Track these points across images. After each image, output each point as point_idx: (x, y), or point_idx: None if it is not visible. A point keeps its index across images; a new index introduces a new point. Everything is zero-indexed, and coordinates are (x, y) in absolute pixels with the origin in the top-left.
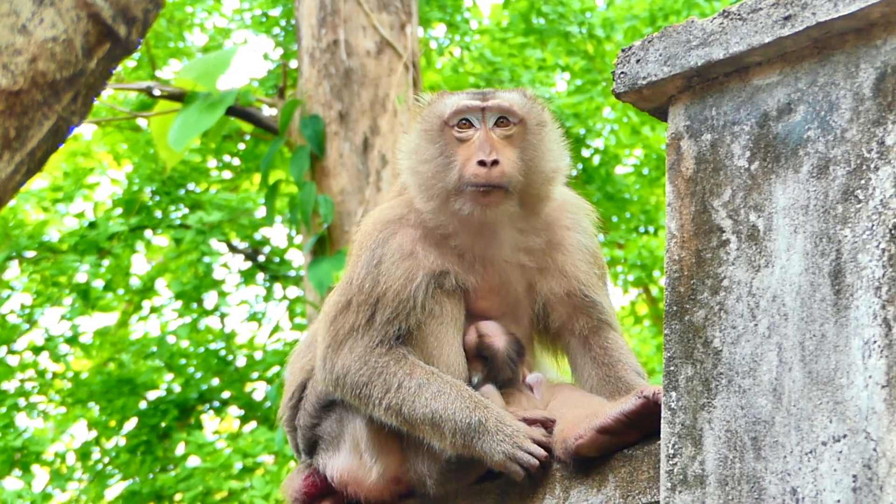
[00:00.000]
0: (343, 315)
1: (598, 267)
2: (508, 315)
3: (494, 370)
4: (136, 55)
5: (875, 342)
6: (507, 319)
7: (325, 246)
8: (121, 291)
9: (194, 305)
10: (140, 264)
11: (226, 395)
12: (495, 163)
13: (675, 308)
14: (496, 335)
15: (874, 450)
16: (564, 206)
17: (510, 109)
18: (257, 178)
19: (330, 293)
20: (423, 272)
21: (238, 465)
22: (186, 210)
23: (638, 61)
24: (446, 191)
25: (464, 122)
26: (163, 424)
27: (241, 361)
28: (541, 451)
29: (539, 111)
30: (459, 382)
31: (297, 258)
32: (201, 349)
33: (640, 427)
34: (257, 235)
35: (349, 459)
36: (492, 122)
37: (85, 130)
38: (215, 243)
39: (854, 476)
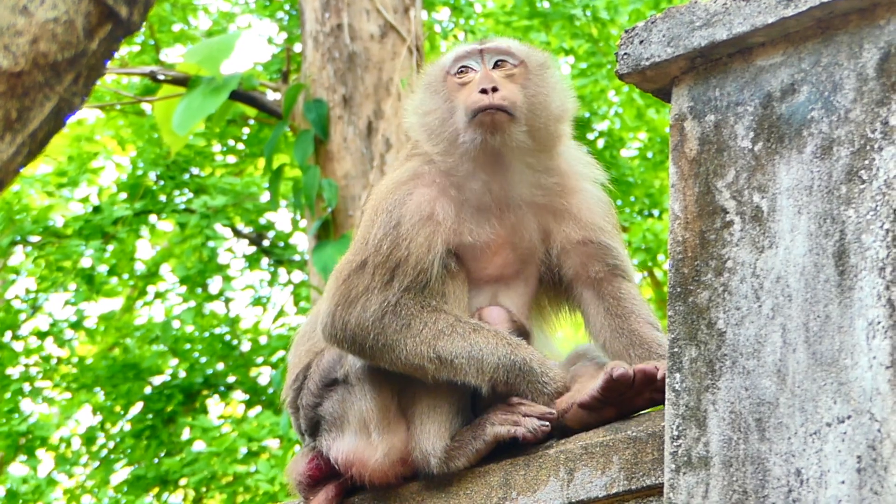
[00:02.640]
0: (357, 275)
1: (612, 217)
2: (521, 273)
3: None
4: (139, 38)
5: (879, 323)
6: (519, 280)
7: (330, 230)
8: (125, 276)
9: (199, 290)
10: (145, 249)
11: (231, 379)
12: (495, 89)
13: (678, 289)
14: (500, 322)
15: (878, 430)
16: (578, 160)
17: (508, 50)
18: (262, 162)
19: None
20: (440, 239)
21: (243, 450)
22: (191, 194)
23: (641, 42)
24: (456, 132)
25: (463, 68)
26: (168, 409)
27: (245, 346)
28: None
29: (539, 55)
30: (491, 326)
31: (302, 242)
32: (206, 334)
33: (614, 405)
34: (262, 220)
35: (354, 439)
36: (491, 63)
37: (89, 115)
38: (220, 228)
39: (858, 457)
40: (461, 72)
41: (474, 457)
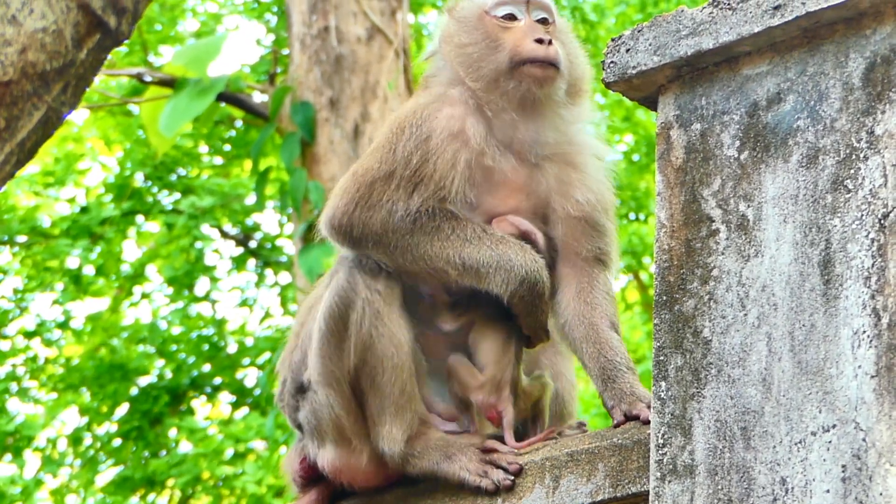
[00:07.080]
0: (383, 183)
1: (613, 202)
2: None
3: None
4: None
5: (864, 332)
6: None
7: (316, 232)
8: (112, 277)
9: (186, 291)
10: (131, 250)
11: (217, 380)
12: (550, 42)
13: (664, 298)
14: (535, 231)
15: (863, 440)
16: (594, 135)
17: (550, 9)
18: (248, 163)
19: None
20: (463, 158)
21: (230, 451)
22: (178, 195)
23: (628, 51)
24: (497, 71)
25: (508, 14)
26: (154, 410)
27: (232, 347)
28: None
29: (564, 20)
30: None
31: (289, 244)
32: (193, 335)
33: None
34: (249, 221)
35: (335, 449)
36: (535, 17)
37: (76, 116)
38: (207, 229)
39: (843, 466)
40: (506, 17)
41: (430, 475)
